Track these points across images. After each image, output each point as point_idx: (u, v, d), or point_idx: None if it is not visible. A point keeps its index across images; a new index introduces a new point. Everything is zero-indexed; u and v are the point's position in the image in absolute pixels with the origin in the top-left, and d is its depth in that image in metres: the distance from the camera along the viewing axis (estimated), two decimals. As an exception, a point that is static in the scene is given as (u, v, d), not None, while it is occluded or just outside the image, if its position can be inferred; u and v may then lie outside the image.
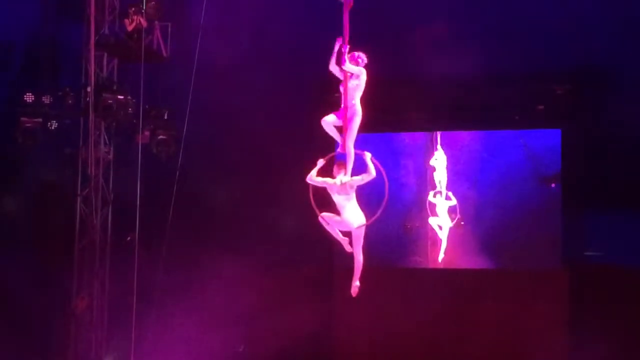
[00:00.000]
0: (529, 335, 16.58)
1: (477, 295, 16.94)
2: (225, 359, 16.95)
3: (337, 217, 9.63)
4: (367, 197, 10.28)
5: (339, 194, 9.55)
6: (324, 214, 9.58)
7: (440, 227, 17.43)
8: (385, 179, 9.64)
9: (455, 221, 17.33)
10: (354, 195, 9.63)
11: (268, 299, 17.05)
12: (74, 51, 16.30)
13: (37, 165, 16.65)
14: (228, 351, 17.05)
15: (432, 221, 17.45)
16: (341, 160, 9.61)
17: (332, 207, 9.69)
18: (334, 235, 9.79)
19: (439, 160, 17.51)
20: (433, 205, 17.50)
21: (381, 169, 9.55)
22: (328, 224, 9.61)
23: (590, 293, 16.15)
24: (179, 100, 15.67)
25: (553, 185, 16.82)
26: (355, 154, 9.56)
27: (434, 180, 17.55)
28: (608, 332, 15.61)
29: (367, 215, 9.72)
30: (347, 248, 9.80)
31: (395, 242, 17.63)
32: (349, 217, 9.59)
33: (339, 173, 9.55)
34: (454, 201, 17.36)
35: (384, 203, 9.46)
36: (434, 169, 17.54)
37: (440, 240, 17.45)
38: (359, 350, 17.41)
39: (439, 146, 17.51)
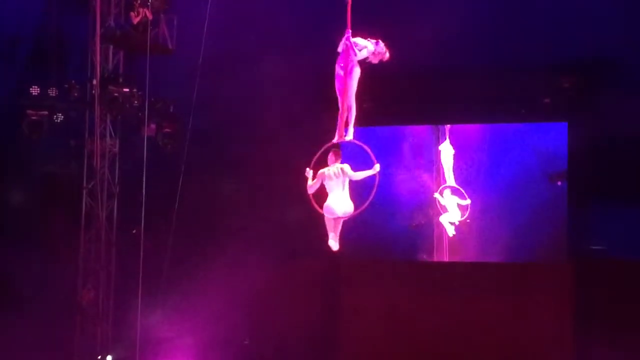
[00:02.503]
0: (535, 327, 16.58)
1: (483, 288, 16.92)
2: (231, 351, 16.98)
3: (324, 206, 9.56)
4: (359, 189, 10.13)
5: (329, 179, 9.55)
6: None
7: (452, 224, 17.40)
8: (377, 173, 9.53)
9: (463, 218, 17.34)
10: (346, 182, 9.58)
11: (274, 291, 17.07)
12: (80, 44, 16.31)
13: (43, 158, 16.67)
14: (234, 343, 17.09)
15: (443, 219, 17.43)
16: (336, 149, 9.58)
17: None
18: (327, 227, 9.67)
19: (445, 152, 17.50)
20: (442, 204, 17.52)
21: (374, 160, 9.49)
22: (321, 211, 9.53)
23: (596, 287, 16.14)
24: (184, 93, 15.66)
25: (559, 183, 16.79)
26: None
27: (440, 176, 17.53)
28: (613, 324, 15.64)
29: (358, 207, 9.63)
30: (333, 245, 9.69)
31: (401, 240, 17.64)
32: (333, 202, 9.51)
33: (335, 161, 9.55)
34: (467, 200, 17.32)
35: (372, 193, 9.38)
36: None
37: (447, 237, 17.44)
38: (365, 342, 17.41)
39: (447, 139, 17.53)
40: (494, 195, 17.25)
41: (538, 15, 15.96)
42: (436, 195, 17.45)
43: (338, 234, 9.67)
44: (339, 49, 9.56)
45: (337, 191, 9.52)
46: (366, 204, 9.42)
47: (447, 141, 17.51)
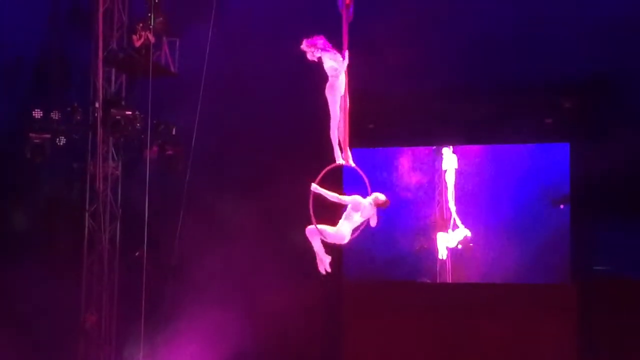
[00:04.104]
0: (539, 348, 16.54)
1: (487, 310, 16.90)
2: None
3: (332, 230, 9.34)
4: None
5: (362, 210, 9.40)
6: (320, 226, 9.35)
7: (447, 248, 17.38)
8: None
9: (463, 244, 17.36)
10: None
11: (277, 314, 17.03)
12: (82, 67, 16.35)
13: (45, 181, 16.68)
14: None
15: (441, 239, 17.39)
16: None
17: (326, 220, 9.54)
18: (318, 250, 9.43)
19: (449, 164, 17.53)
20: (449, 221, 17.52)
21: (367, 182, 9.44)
22: (321, 234, 9.38)
23: (599, 307, 16.13)
24: (187, 115, 15.68)
25: (562, 206, 16.79)
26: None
27: (443, 198, 17.52)
28: (617, 344, 15.63)
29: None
30: (324, 268, 9.55)
31: (404, 262, 17.60)
32: (347, 232, 9.39)
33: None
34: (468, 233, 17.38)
35: (363, 223, 9.31)
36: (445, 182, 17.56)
37: (445, 261, 17.41)
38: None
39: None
40: (497, 217, 17.24)
41: (540, 36, 15.99)
42: (454, 216, 17.43)
43: None
44: (343, 66, 9.49)
45: (354, 221, 9.38)
46: (356, 234, 9.34)
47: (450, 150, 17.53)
